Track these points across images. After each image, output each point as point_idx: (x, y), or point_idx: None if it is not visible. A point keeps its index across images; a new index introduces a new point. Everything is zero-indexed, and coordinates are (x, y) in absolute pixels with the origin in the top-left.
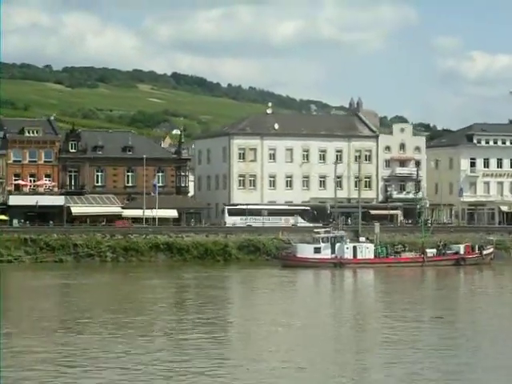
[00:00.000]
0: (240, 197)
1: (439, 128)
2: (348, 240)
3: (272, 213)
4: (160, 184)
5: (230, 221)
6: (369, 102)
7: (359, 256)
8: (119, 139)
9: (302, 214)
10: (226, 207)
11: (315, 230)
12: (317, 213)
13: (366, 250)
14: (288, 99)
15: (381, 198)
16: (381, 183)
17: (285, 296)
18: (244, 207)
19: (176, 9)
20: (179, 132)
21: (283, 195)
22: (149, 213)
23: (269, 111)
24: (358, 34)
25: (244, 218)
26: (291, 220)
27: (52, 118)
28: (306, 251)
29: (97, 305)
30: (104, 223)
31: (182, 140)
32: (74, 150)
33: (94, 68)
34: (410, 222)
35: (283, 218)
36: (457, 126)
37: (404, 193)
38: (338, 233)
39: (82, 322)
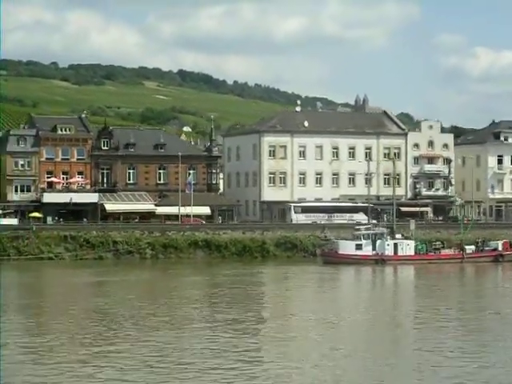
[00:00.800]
0: (270, 194)
1: (445, 126)
2: (389, 237)
3: (337, 210)
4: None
5: (296, 218)
6: (372, 98)
7: (400, 253)
8: (151, 137)
9: (365, 211)
10: (292, 205)
11: (356, 227)
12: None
13: (407, 247)
14: (293, 96)
15: (409, 195)
16: (409, 180)
17: (338, 292)
18: (309, 204)
19: (179, 6)
20: (190, 129)
21: (313, 192)
22: (182, 210)
23: (298, 109)
24: (361, 31)
25: (309, 215)
26: (355, 217)
27: (83, 115)
28: (347, 248)
29: (149, 301)
30: (137, 220)
31: (213, 138)
32: (106, 148)
33: (100, 65)
34: (439, 218)
35: (347, 214)
36: (462, 123)
37: (433, 190)
38: (378, 230)
39: (145, 318)
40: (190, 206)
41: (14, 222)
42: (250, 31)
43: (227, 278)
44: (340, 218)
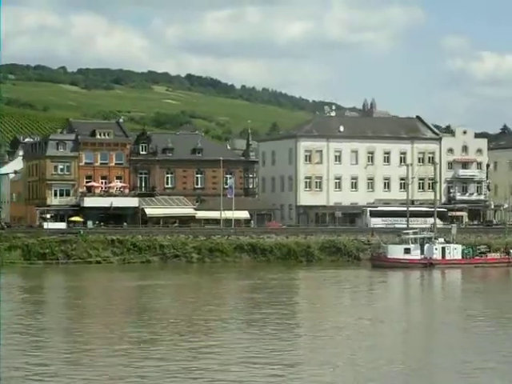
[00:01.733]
0: (306, 198)
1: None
2: (437, 241)
3: (412, 214)
4: (228, 186)
5: (372, 222)
6: (378, 102)
7: (447, 257)
8: (188, 141)
9: (440, 215)
10: (368, 209)
11: (404, 231)
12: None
13: (454, 251)
14: (301, 100)
15: (444, 199)
16: (444, 185)
17: (399, 297)
18: (384, 209)
19: (183, 9)
20: (202, 134)
21: (348, 197)
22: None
23: (332, 114)
24: (366, 35)
25: (385, 219)
26: (429, 221)
27: (121, 120)
28: (396, 252)
29: (206, 303)
30: (177, 224)
31: (250, 142)
32: (144, 153)
33: (109, 69)
34: (474, 223)
35: (422, 219)
36: (468, 126)
37: (467, 194)
38: (426, 234)
39: (213, 319)
40: (228, 210)
41: (62, 226)
42: (255, 35)
43: (279, 282)
44: (415, 223)
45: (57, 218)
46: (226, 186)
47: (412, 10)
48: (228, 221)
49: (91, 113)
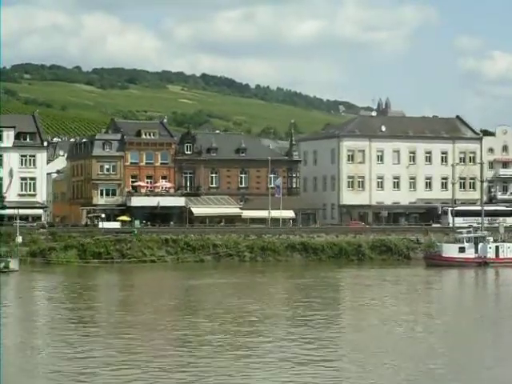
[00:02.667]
0: (349, 198)
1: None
2: (491, 240)
3: (490, 214)
4: (272, 186)
5: (454, 221)
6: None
7: (501, 255)
8: (232, 141)
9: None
10: (449, 208)
11: (458, 230)
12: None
13: (508, 250)
14: (315, 100)
15: (485, 199)
16: (484, 184)
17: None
18: (465, 208)
19: (194, 9)
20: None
21: (390, 196)
22: (266, 213)
23: (373, 114)
24: (379, 34)
25: (467, 218)
26: (508, 220)
27: (165, 120)
28: (451, 251)
29: (270, 301)
30: (223, 224)
31: (293, 142)
32: (189, 152)
33: (123, 69)
34: None
35: (501, 218)
36: (483, 125)
37: (508, 194)
38: (480, 233)
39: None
40: (274, 209)
41: (116, 225)
42: (266, 34)
43: (338, 280)
44: (496, 222)
45: (103, 217)
46: (270, 186)
47: (424, 9)
48: (273, 220)
49: (110, 112)
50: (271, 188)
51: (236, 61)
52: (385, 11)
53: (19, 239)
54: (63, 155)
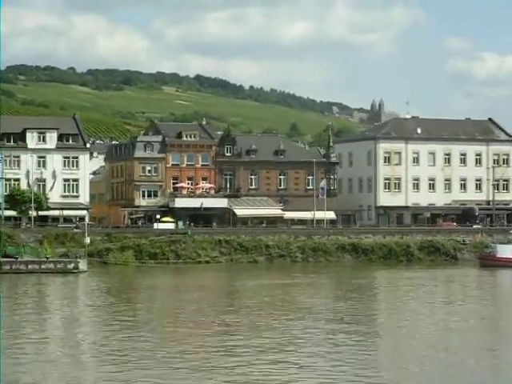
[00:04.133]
0: (385, 199)
1: None
2: None
3: None
4: (310, 187)
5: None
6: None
7: None
8: (270, 143)
9: None
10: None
11: (511, 231)
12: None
13: None
14: (309, 101)
15: None
16: None
17: None
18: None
19: (184, 10)
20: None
21: (426, 197)
22: (308, 215)
23: (408, 116)
24: (368, 35)
25: None
26: None
27: (204, 122)
28: (505, 251)
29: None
30: (264, 225)
31: (331, 144)
32: (229, 154)
33: (117, 70)
34: None
35: None
36: None
37: None
38: None
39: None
40: (313, 210)
41: (170, 226)
42: (256, 36)
43: (394, 280)
44: None
45: (145, 218)
46: (308, 187)
47: (414, 10)
48: (316, 221)
49: (108, 113)
50: (309, 190)
51: (225, 62)
52: (374, 12)
53: (87, 240)
54: (96, 156)
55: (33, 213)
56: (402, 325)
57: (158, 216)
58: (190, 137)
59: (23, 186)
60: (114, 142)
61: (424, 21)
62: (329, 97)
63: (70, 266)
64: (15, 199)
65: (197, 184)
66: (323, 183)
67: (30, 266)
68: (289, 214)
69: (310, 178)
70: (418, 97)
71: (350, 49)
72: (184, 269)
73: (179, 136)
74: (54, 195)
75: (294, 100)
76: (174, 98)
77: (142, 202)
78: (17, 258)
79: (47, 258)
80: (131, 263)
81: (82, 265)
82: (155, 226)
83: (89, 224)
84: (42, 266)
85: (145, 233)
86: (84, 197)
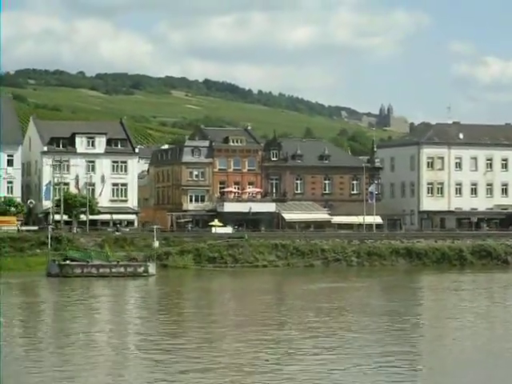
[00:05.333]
0: (428, 204)
1: None
2: None
3: None
4: (354, 192)
5: None
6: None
7: None
8: (315, 148)
9: None
10: None
11: None
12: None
13: None
14: (317, 105)
15: None
16: None
17: None
18: None
19: (187, 15)
20: None
21: (468, 202)
22: (355, 219)
23: (449, 121)
24: (371, 39)
25: None
26: None
27: (249, 127)
28: None
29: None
30: (312, 229)
31: (375, 149)
32: (275, 159)
33: (126, 74)
34: None
35: None
36: None
37: None
38: None
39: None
40: (362, 215)
41: (228, 230)
42: (260, 40)
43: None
44: None
45: (193, 222)
46: (353, 192)
47: (416, 14)
48: (361, 226)
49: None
50: (354, 194)
51: (229, 66)
52: (377, 16)
53: (156, 244)
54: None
55: (88, 217)
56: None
57: (216, 221)
58: (237, 142)
59: (72, 190)
60: (153, 147)
61: (427, 25)
62: (333, 101)
63: (140, 270)
64: (67, 203)
65: (243, 188)
66: (373, 188)
67: (100, 270)
68: (336, 219)
69: (355, 182)
70: (422, 101)
71: (353, 53)
72: (242, 272)
73: (226, 141)
74: (103, 199)
75: (302, 104)
76: (184, 102)
77: (190, 206)
78: (88, 262)
79: (117, 261)
80: (191, 267)
81: (152, 268)
82: (213, 230)
83: (157, 228)
84: (113, 270)
85: (202, 237)
86: (132, 201)
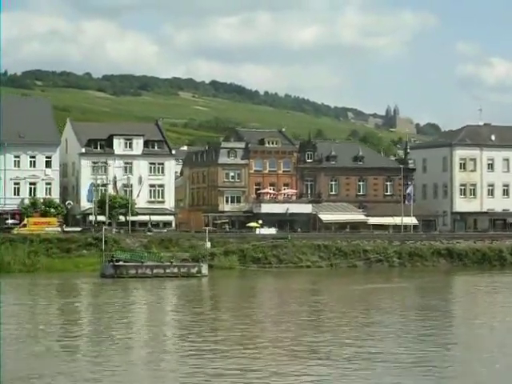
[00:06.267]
0: (461, 205)
1: None
2: None
3: None
4: (388, 193)
5: None
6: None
7: None
8: (349, 150)
9: None
10: None
11: None
12: None
13: None
14: (323, 106)
15: None
16: None
17: None
18: None
19: (193, 15)
20: None
21: (500, 203)
22: (390, 220)
23: (481, 123)
24: (378, 40)
25: None
26: None
27: (283, 129)
28: None
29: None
30: (347, 230)
31: (408, 150)
32: (310, 160)
33: (133, 75)
34: None
35: None
36: None
37: None
38: None
39: None
40: (397, 216)
41: (272, 231)
42: (267, 40)
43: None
44: None
45: (229, 223)
46: (386, 193)
47: (423, 15)
48: (396, 226)
49: (130, 119)
50: (388, 195)
51: (235, 67)
52: (383, 17)
53: (208, 245)
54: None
55: (129, 218)
56: None
57: (260, 221)
58: (272, 143)
59: (110, 191)
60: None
61: (433, 25)
62: (339, 102)
63: (194, 270)
64: (108, 205)
65: (279, 190)
66: (410, 189)
67: (155, 271)
68: (373, 220)
69: (388, 183)
70: (427, 101)
71: (359, 53)
72: (288, 273)
73: (261, 142)
74: (140, 201)
75: (308, 105)
76: (191, 104)
77: (226, 207)
78: (142, 263)
79: (171, 262)
80: (236, 267)
81: (204, 269)
82: (257, 231)
83: (212, 230)
84: (167, 271)
85: (246, 237)
86: (169, 202)
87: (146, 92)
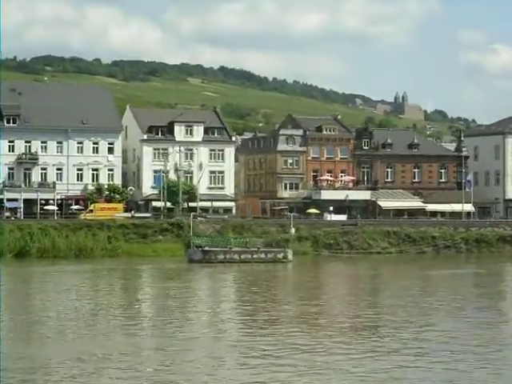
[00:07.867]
0: None
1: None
2: None
3: None
4: (443, 180)
5: None
6: (393, 94)
7: None
8: (404, 137)
9: None
10: None
11: None
12: None
13: None
14: (332, 93)
15: None
16: None
17: None
18: None
19: (198, 1)
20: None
21: None
22: (447, 207)
23: None
24: (382, 27)
25: None
26: None
27: (339, 117)
28: None
29: None
30: (406, 217)
31: (462, 138)
32: (366, 148)
33: (143, 61)
34: None
35: None
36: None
37: None
38: None
39: None
40: (454, 203)
41: (343, 218)
42: (270, 27)
43: None
44: None
45: (288, 209)
46: (441, 180)
47: (428, 2)
48: (454, 213)
49: (143, 105)
50: (442, 182)
51: (239, 53)
52: (388, 4)
53: (292, 231)
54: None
55: (198, 204)
56: None
57: (331, 208)
58: (330, 130)
59: (171, 177)
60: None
61: (438, 13)
62: (346, 88)
63: (280, 256)
64: (172, 191)
65: (336, 176)
66: (470, 176)
67: (242, 256)
68: (430, 207)
69: (443, 171)
70: (432, 89)
71: (364, 40)
72: (360, 259)
73: (319, 129)
74: (201, 187)
75: (316, 92)
76: (201, 90)
77: (284, 193)
78: (231, 248)
79: (258, 248)
80: (309, 253)
81: (290, 254)
82: (328, 217)
83: (295, 215)
84: (254, 256)
85: (315, 224)
86: (229, 188)
87: (154, 78)
